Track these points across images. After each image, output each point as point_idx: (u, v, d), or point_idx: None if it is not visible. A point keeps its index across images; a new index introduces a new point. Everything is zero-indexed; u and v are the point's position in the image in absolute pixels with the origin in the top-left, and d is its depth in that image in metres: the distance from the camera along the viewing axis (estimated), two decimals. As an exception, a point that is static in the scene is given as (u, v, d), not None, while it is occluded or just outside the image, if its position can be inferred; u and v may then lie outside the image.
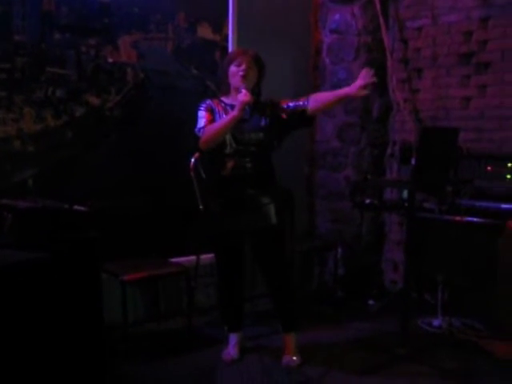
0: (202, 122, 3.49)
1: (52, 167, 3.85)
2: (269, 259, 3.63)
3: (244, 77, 3.43)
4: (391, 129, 5.08)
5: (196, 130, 3.50)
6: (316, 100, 3.50)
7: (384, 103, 5.09)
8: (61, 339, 2.91)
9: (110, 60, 4.08)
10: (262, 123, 3.51)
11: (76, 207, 3.12)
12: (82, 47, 3.94)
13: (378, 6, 4.92)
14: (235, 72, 3.45)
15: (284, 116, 3.53)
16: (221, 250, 3.69)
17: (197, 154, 4.22)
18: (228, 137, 3.43)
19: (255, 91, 3.52)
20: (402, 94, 4.93)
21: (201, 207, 3.94)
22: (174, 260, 4.25)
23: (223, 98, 3.60)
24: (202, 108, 3.55)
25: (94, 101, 4.01)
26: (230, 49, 4.65)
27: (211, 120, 3.48)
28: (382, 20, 4.93)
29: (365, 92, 3.35)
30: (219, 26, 4.64)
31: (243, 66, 3.43)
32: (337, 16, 5.15)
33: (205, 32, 4.56)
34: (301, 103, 3.51)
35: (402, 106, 4.93)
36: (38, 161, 3.79)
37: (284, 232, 3.66)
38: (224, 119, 3.42)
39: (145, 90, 4.25)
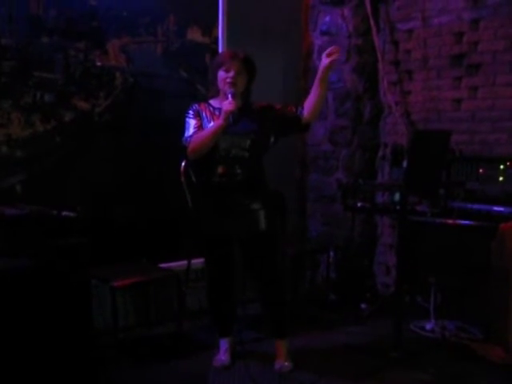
0: (190, 131, 3.45)
1: (40, 173, 3.82)
2: (259, 265, 3.61)
3: (232, 84, 3.38)
4: (382, 131, 5.07)
5: (184, 139, 3.46)
6: (307, 102, 3.47)
7: (375, 106, 5.08)
8: (50, 346, 2.90)
9: (99, 64, 4.04)
10: (252, 127, 3.45)
11: (64, 213, 3.09)
12: (71, 51, 3.90)
13: (369, 8, 4.91)
14: (224, 78, 3.40)
15: (278, 118, 3.50)
16: (210, 256, 3.65)
17: (187, 158, 4.20)
18: (218, 143, 3.37)
19: (244, 95, 3.50)
20: (394, 97, 4.92)
21: (191, 211, 3.91)
22: (164, 265, 4.22)
23: (212, 101, 3.55)
24: (190, 115, 3.50)
25: (83, 105, 3.97)
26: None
27: (200, 126, 3.44)
28: (372, 22, 4.92)
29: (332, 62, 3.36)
30: (209, 28, 4.62)
31: (232, 73, 3.38)
32: (327, 18, 5.14)
33: (194, 35, 4.53)
34: (294, 109, 3.49)
35: (393, 108, 4.92)
36: (26, 166, 3.75)
37: (275, 237, 3.61)
38: (209, 128, 3.37)
39: (134, 94, 4.22)
